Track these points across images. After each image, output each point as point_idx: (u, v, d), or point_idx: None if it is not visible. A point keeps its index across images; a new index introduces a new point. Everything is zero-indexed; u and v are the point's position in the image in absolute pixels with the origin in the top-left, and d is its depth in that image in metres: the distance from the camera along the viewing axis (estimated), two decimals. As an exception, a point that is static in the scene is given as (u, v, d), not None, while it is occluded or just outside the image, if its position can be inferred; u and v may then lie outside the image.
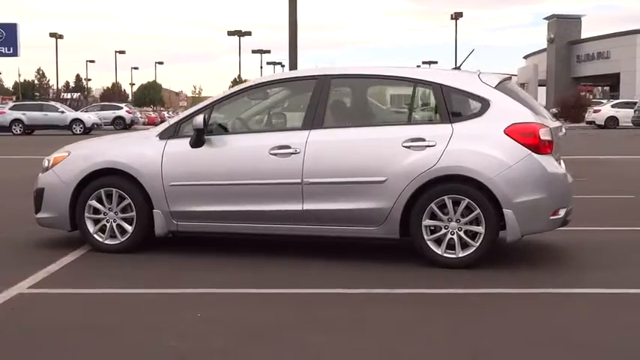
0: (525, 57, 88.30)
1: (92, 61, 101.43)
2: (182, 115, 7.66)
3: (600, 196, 11.79)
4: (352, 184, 6.96)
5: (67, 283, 6.42)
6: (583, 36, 75.34)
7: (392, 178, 6.85)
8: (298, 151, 7.05)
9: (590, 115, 46.65)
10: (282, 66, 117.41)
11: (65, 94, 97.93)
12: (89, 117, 42.63)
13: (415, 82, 7.19)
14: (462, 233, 6.79)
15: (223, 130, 7.48)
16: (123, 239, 7.47)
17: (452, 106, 6.99)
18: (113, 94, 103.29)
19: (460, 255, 6.81)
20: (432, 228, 6.84)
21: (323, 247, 7.52)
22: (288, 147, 7.08)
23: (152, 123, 49.99)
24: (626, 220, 9.62)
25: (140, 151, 7.48)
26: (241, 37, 70.52)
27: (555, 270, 6.90)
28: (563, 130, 7.64)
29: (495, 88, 7.00)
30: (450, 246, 6.82)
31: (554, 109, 49.95)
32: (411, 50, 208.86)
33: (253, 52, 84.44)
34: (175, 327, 5.12)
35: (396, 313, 5.52)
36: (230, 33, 70.64)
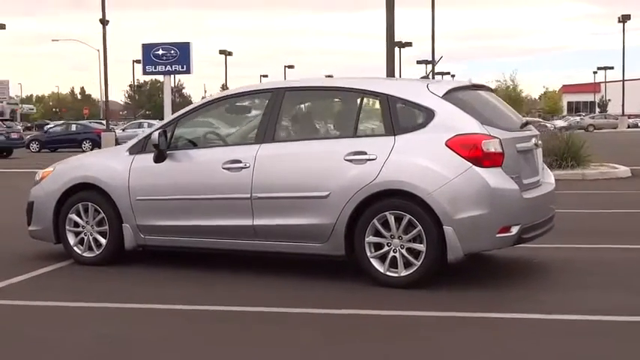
0: None
1: (265, 76, 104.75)
2: (149, 130, 7.79)
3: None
4: (297, 199, 6.80)
5: (20, 295, 6.64)
6: None
7: (334, 193, 6.62)
8: (248, 165, 6.98)
9: None
10: (453, 76, 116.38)
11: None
12: None
13: (363, 93, 6.92)
14: (404, 251, 6.45)
15: (185, 144, 7.53)
16: (98, 252, 7.69)
17: (396, 117, 6.67)
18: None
19: (402, 274, 6.47)
20: (376, 245, 6.55)
21: (287, 263, 7.38)
22: (239, 161, 7.03)
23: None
24: (595, 236, 9.00)
25: (111, 166, 7.68)
26: (402, 48, 70.37)
27: (499, 292, 6.42)
28: (537, 141, 7.10)
29: (443, 97, 6.61)
30: (394, 264, 6.50)
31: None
32: (592, 55, 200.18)
33: (418, 62, 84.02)
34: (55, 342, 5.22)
35: (284, 332, 5.33)
36: (390, 44, 70.61)
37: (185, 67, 61.50)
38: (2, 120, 52.53)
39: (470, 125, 6.44)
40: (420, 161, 6.43)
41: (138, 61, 62.07)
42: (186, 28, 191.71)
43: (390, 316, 5.72)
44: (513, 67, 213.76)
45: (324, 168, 6.72)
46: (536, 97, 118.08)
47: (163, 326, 5.59)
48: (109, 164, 7.73)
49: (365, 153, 6.58)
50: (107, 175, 7.62)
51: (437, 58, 9.61)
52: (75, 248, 7.79)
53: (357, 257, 6.62)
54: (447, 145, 6.37)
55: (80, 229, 7.76)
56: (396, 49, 70.96)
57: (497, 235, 6.34)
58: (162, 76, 52.34)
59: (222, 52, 76.98)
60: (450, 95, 6.65)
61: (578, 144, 17.79)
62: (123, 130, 49.56)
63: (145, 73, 55.41)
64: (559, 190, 7.87)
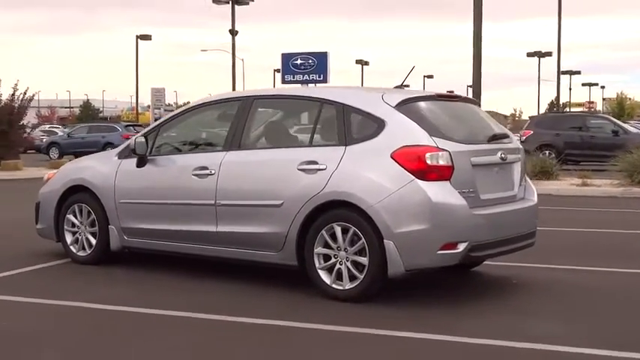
0: None
1: (407, 86, 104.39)
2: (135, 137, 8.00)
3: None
4: (255, 207, 6.81)
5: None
6: None
7: (287, 202, 6.58)
8: (213, 172, 7.05)
9: None
10: (602, 87, 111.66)
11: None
12: None
13: (322, 102, 6.82)
14: (349, 264, 6.32)
15: (165, 150, 7.69)
16: (89, 252, 7.99)
17: (349, 127, 6.54)
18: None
19: (347, 287, 6.33)
20: (325, 256, 6.45)
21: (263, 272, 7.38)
22: (206, 168, 7.11)
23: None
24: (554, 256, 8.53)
25: (102, 169, 7.95)
26: (541, 58, 68.33)
27: (435, 310, 6.16)
28: (508, 155, 6.75)
29: (395, 107, 6.42)
30: (339, 277, 6.38)
31: None
32: None
33: (562, 73, 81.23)
34: None
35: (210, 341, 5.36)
36: (529, 54, 68.82)
37: (322, 76, 62.49)
38: None
39: (417, 136, 6.22)
40: (365, 172, 6.28)
41: (278, 70, 63.61)
42: (330, 38, 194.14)
43: (293, 328, 5.62)
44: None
45: (279, 177, 6.69)
46: None
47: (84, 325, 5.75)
48: (99, 168, 8.01)
49: (316, 163, 6.50)
50: (97, 178, 7.90)
51: (410, 68, 9.09)
52: (71, 247, 8.12)
53: (306, 268, 6.54)
54: (392, 156, 6.19)
55: (76, 229, 8.08)
56: (536, 59, 69.28)
57: (440, 252, 6.08)
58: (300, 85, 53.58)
59: (358, 61, 77.42)
60: (403, 106, 6.45)
61: None
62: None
63: (283, 82, 56.57)
64: None
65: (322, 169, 6.45)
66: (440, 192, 6.09)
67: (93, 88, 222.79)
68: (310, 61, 57.24)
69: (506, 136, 7.06)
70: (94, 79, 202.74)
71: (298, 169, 6.57)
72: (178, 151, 7.69)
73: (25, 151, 35.84)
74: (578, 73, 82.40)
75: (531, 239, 7.02)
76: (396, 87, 7.42)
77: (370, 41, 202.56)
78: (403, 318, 5.93)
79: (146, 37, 59.50)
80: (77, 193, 8.08)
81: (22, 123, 26.10)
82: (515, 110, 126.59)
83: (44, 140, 40.05)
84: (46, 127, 60.36)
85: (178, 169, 7.39)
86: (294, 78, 52.61)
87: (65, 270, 7.82)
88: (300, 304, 6.36)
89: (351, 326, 5.63)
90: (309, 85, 49.77)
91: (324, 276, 6.44)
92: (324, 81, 66.85)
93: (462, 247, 6.14)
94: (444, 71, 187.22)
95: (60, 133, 44.31)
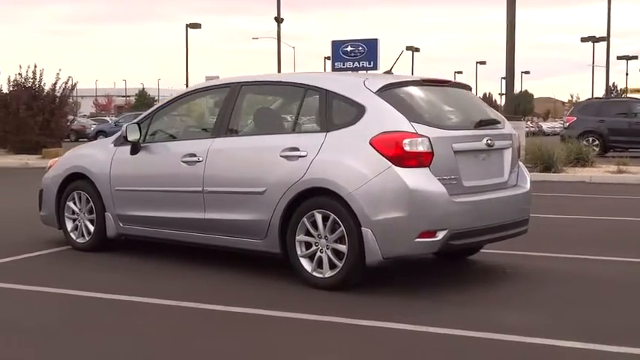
0: None
1: (460, 72, 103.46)
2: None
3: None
4: (239, 194, 6.76)
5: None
6: None
7: (270, 189, 6.52)
8: (201, 159, 7.02)
9: None
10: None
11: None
12: None
13: (306, 88, 6.71)
14: (329, 252, 6.23)
15: (158, 137, 7.67)
16: (87, 239, 8.04)
17: (331, 113, 6.43)
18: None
19: (327, 275, 6.25)
20: (307, 244, 6.37)
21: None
22: (194, 155, 7.09)
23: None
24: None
25: (99, 156, 7.99)
26: (595, 43, 66.85)
27: (411, 300, 6.02)
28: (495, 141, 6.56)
29: (376, 93, 6.28)
30: (320, 265, 6.30)
31: None
32: None
33: (618, 58, 79.45)
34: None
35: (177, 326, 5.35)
36: (583, 39, 67.38)
37: (372, 63, 62.36)
38: None
39: (396, 122, 6.08)
40: (344, 159, 6.17)
41: (328, 58, 63.49)
42: (382, 24, 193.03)
43: (267, 317, 5.55)
44: None
45: (263, 163, 6.63)
46: None
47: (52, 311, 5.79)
48: (96, 155, 8.05)
49: (297, 149, 6.42)
50: (94, 165, 7.94)
51: (399, 53, 8.83)
52: (71, 234, 8.19)
53: (289, 256, 6.47)
54: (370, 143, 6.06)
55: (75, 216, 8.14)
56: (590, 44, 67.85)
57: (417, 240, 5.95)
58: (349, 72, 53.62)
59: (409, 48, 76.84)
60: (385, 91, 6.31)
61: None
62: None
63: (333, 69, 56.48)
64: None
65: (303, 156, 6.36)
66: (418, 179, 5.95)
67: (149, 77, 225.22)
68: (360, 48, 56.93)
69: (495, 122, 6.86)
70: (150, 68, 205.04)
71: (281, 156, 6.50)
72: (170, 138, 7.68)
73: (77, 140, 36.54)
74: (635, 58, 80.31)
75: (522, 227, 6.83)
76: (385, 72, 7.28)
77: (421, 27, 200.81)
78: (379, 307, 5.81)
79: (195, 26, 59.92)
80: (76, 181, 8.14)
81: (64, 111, 26.53)
82: (572, 96, 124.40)
83: (92, 128, 40.77)
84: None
85: (169, 156, 7.37)
86: (344, 65, 52.45)
87: (61, 257, 7.88)
88: (281, 292, 6.28)
89: (324, 315, 5.52)
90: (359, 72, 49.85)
91: (305, 264, 6.36)
92: (374, 68, 66.53)
93: (441, 235, 6.00)
94: (496, 58, 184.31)
95: (109, 122, 45.06)
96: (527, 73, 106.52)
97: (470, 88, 7.29)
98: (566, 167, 18.06)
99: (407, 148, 5.96)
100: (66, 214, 8.21)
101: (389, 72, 7.22)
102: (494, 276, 6.99)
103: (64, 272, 7.19)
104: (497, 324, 5.31)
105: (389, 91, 6.33)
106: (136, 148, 7.58)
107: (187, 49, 59.44)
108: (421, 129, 6.06)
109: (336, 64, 51.27)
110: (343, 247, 6.13)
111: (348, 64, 53.27)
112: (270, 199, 6.50)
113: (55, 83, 25.90)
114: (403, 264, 7.16)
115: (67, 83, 26.07)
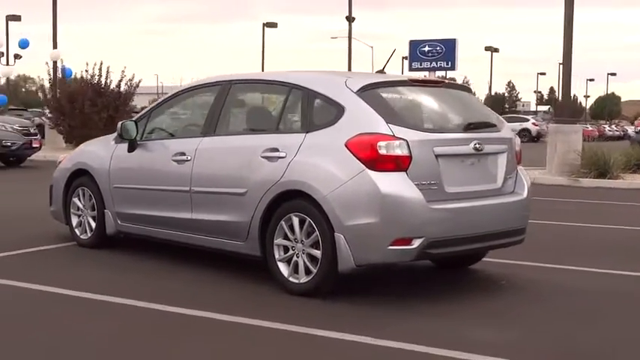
0: None
1: (543, 74, 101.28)
2: (129, 121, 7.95)
3: None
4: (222, 195, 6.63)
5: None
6: None
7: (250, 191, 6.36)
8: (189, 158, 6.93)
9: None
10: None
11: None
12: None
13: (290, 87, 6.51)
14: (305, 257, 6.04)
15: (154, 135, 7.60)
16: (90, 235, 8.05)
17: (312, 113, 6.23)
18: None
19: (302, 281, 6.06)
20: (285, 248, 6.19)
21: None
22: (183, 154, 7.00)
23: (586, 136, 47.53)
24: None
25: (100, 153, 7.99)
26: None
27: (378, 310, 5.77)
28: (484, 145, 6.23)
29: (356, 93, 6.03)
30: (296, 269, 6.11)
31: None
32: None
33: None
34: None
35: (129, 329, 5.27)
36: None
37: (450, 63, 61.54)
38: None
39: (373, 124, 5.83)
40: (320, 161, 5.96)
41: (406, 58, 62.87)
42: (462, 25, 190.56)
43: (228, 323, 5.39)
44: None
45: (244, 164, 6.47)
46: None
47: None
48: (98, 152, 8.05)
49: (277, 150, 6.24)
50: (96, 162, 7.95)
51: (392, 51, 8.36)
52: (76, 230, 8.22)
53: (266, 259, 6.30)
54: (346, 145, 5.84)
55: (80, 212, 8.16)
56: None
57: (391, 247, 5.69)
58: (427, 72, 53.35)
59: (487, 48, 75.56)
60: (365, 91, 6.05)
61: None
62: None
63: (411, 69, 56.14)
64: None
65: (282, 157, 6.18)
66: (392, 183, 5.69)
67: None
68: (438, 49, 56.16)
69: (489, 125, 6.51)
70: (228, 67, 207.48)
71: (261, 157, 6.33)
72: (163, 136, 7.60)
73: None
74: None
75: (517, 237, 6.48)
76: (378, 71, 7.02)
77: (502, 28, 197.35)
78: (346, 316, 5.58)
79: (272, 25, 60.33)
80: (81, 177, 8.16)
81: (128, 108, 26.92)
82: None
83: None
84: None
85: (161, 154, 7.30)
86: (421, 65, 51.90)
87: (61, 253, 7.90)
88: (253, 297, 6.12)
89: (281, 323, 5.31)
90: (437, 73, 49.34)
91: (282, 268, 6.18)
92: (452, 69, 65.60)
93: (417, 243, 5.72)
94: (581, 59, 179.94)
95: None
96: (613, 74, 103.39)
97: (468, 90, 6.97)
98: (624, 174, 17.32)
99: (382, 151, 5.71)
100: (72, 210, 8.24)
101: (381, 71, 6.96)
102: (486, 287, 6.65)
103: (53, 269, 7.18)
104: (460, 340, 5.02)
105: (370, 92, 6.08)
106: (132, 146, 7.54)
107: (263, 47, 59.95)
108: (399, 131, 5.80)
109: (413, 64, 50.81)
110: (317, 253, 5.93)
111: (426, 64, 52.65)
112: (251, 200, 6.34)
113: (121, 80, 26.33)
114: (400, 272, 6.91)
115: (131, 80, 26.48)
